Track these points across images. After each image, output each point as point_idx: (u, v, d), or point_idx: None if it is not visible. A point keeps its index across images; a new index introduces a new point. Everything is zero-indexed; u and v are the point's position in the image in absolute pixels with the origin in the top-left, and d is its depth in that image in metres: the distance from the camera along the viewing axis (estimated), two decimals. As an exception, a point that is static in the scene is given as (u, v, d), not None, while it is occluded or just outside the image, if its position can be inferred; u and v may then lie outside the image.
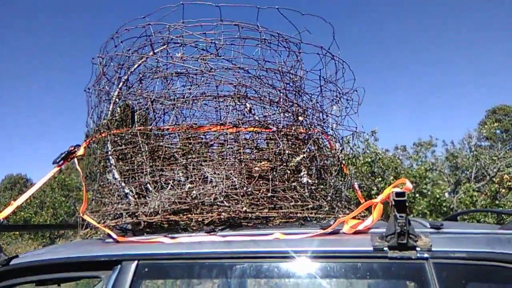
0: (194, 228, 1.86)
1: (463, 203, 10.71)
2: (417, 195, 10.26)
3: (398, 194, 1.40)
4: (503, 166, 11.11)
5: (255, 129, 2.05)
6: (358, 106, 2.22)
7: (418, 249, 1.40)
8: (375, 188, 10.92)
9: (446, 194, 11.61)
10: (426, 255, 1.39)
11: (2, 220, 1.88)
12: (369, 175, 11.40)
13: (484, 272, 1.37)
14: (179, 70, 2.01)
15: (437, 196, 10.57)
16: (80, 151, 2.17)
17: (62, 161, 2.15)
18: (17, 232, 15.11)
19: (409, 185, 1.50)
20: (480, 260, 1.36)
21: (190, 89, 1.89)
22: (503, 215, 8.29)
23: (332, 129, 2.19)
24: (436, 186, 11.09)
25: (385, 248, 1.42)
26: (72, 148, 2.17)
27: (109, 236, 1.80)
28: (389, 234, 1.43)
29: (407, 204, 1.43)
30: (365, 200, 2.15)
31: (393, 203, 1.42)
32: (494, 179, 11.06)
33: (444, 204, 10.37)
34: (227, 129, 1.93)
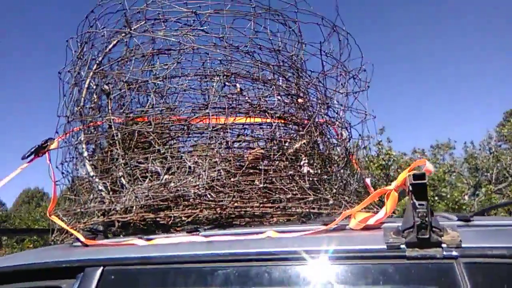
0: (177, 228, 1.61)
1: (483, 206, 10.23)
2: (436, 198, 9.83)
3: (416, 177, 1.11)
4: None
5: (245, 116, 1.79)
6: (366, 87, 1.94)
7: (444, 245, 1.10)
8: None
9: (466, 197, 11.13)
10: (454, 253, 1.09)
11: None
12: (384, 178, 10.99)
13: None
14: (158, 48, 1.76)
15: (456, 199, 10.14)
16: (54, 145, 1.94)
17: (32, 156, 1.91)
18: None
19: (429, 166, 1.21)
20: None
21: (168, 67, 1.62)
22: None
23: (337, 113, 1.91)
24: (455, 189, 10.63)
25: (402, 246, 1.13)
26: (44, 142, 1.93)
27: (77, 239, 1.54)
28: (406, 228, 1.14)
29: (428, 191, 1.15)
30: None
31: (411, 188, 1.13)
32: (516, 180, 10.57)
33: (464, 207, 9.92)
34: (212, 117, 1.66)
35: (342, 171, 1.87)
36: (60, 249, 1.58)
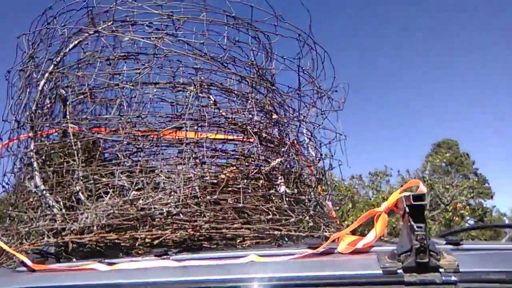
0: (140, 251, 1.44)
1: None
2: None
3: (416, 198, 1.06)
4: (456, 194, 11.32)
5: (217, 136, 1.69)
6: (340, 106, 1.90)
7: (441, 270, 1.05)
8: (332, 217, 10.73)
9: (402, 223, 11.58)
10: (453, 277, 1.04)
11: None
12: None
13: None
14: (126, 52, 1.62)
15: (394, 224, 10.57)
16: (-5, 154, 1.70)
17: (-33, 166, 1.66)
18: None
19: (423, 188, 1.17)
20: None
21: (140, 72, 1.47)
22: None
23: (311, 132, 1.85)
24: (392, 215, 11.04)
25: (399, 270, 1.06)
26: (-16, 150, 1.69)
27: (22, 263, 1.32)
28: (403, 252, 1.07)
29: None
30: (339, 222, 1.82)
31: (407, 210, 1.08)
32: (448, 207, 11.21)
33: (400, 232, 10.32)
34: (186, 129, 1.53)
35: (314, 191, 1.80)
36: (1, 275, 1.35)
